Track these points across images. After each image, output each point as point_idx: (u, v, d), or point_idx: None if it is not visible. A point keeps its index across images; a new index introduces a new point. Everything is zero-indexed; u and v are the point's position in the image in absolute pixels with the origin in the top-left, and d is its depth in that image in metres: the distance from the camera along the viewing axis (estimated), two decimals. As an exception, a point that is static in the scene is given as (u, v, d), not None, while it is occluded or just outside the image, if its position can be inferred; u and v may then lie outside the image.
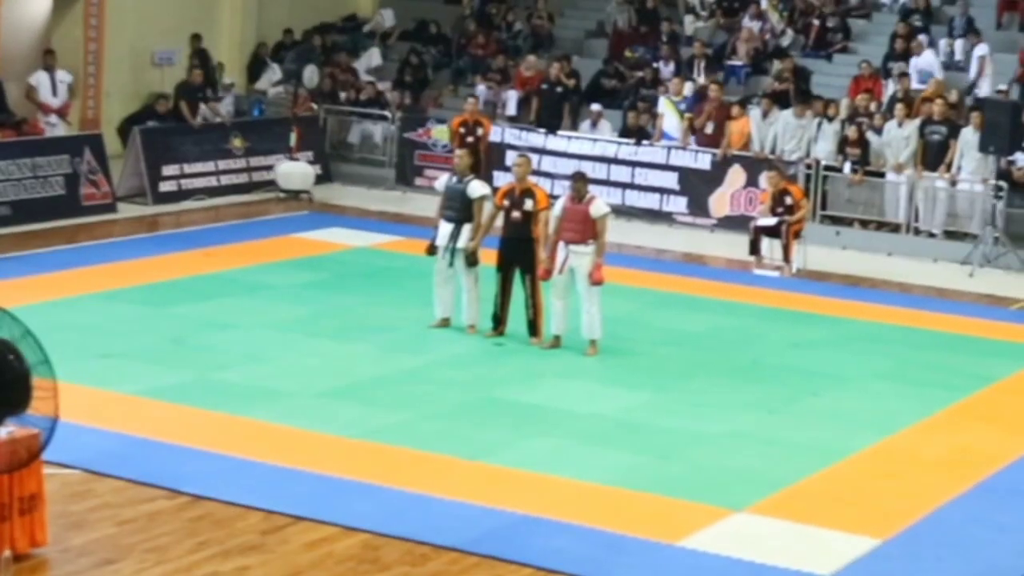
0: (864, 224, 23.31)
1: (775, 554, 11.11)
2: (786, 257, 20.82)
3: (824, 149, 23.43)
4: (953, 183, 22.79)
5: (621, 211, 23.02)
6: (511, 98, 26.40)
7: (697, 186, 23.82)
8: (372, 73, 28.28)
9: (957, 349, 17.49)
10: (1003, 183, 22.25)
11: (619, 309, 17.45)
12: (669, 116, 24.49)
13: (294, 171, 24.65)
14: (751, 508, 12.03)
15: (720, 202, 23.73)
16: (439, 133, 25.45)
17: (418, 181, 25.37)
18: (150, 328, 16.28)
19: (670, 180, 24.01)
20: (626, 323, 17.33)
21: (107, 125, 24.93)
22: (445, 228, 16.69)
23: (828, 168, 23.30)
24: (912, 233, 22.94)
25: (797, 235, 20.95)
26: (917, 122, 23.09)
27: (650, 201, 24.10)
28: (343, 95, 26.98)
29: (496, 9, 29.60)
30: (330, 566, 10.56)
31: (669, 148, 24.11)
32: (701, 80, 25.57)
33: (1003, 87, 24.19)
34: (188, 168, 23.97)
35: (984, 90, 24.62)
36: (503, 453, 12.99)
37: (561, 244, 16.11)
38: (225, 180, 24.56)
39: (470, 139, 22.64)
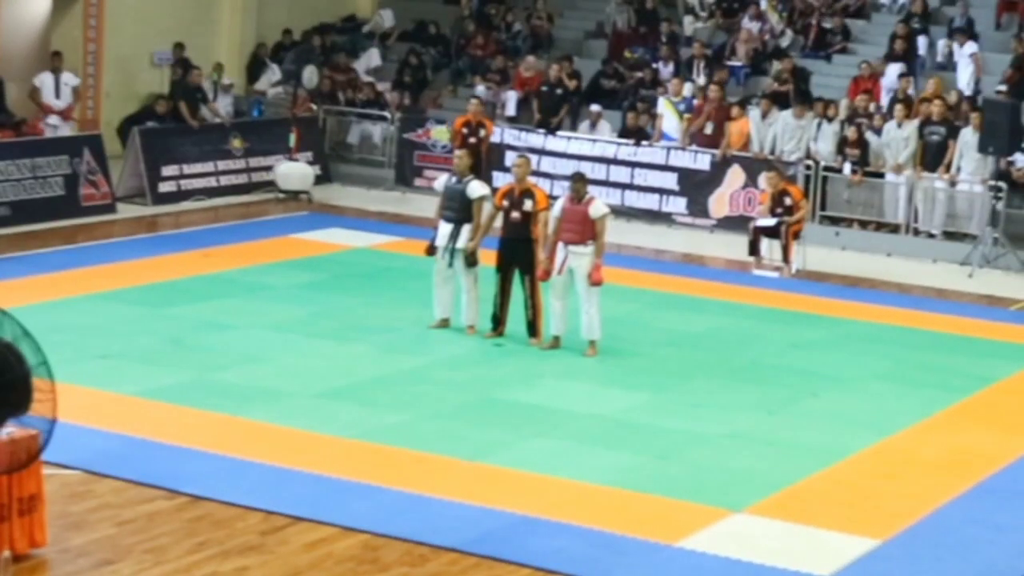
0: (863, 225, 23.31)
1: (774, 555, 11.11)
2: (785, 258, 20.82)
3: (823, 150, 23.44)
4: (952, 184, 22.79)
5: (620, 212, 23.03)
6: (510, 99, 26.41)
7: (696, 187, 23.83)
8: (371, 74, 28.30)
9: (956, 350, 17.49)
10: (1002, 184, 22.25)
11: (618, 310, 17.46)
12: (668, 117, 24.50)
13: (293, 172, 24.66)
14: (750, 509, 12.03)
15: (719, 203, 23.73)
16: (438, 134, 25.45)
17: (417, 182, 25.37)
18: (149, 329, 16.28)
19: (669, 181, 24.01)
20: (625, 324, 17.34)
21: (106, 126, 24.94)
22: (444, 228, 16.69)
23: (827, 169, 23.31)
24: (911, 234, 22.95)
25: (796, 236, 20.96)
26: (916, 123, 23.10)
27: (649, 202, 24.11)
28: (341, 95, 26.96)
29: (495, 10, 29.62)
30: (329, 567, 10.56)
31: (668, 149, 24.12)
32: (701, 81, 25.58)
33: (1003, 87, 24.20)
34: (187, 169, 23.98)
35: (976, 89, 24.62)
36: (502, 454, 12.99)
37: (560, 245, 16.11)
38: (224, 181, 24.56)
39: (472, 140, 22.64)
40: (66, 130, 23.46)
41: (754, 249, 21.03)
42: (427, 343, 16.36)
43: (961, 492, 12.79)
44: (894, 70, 25.17)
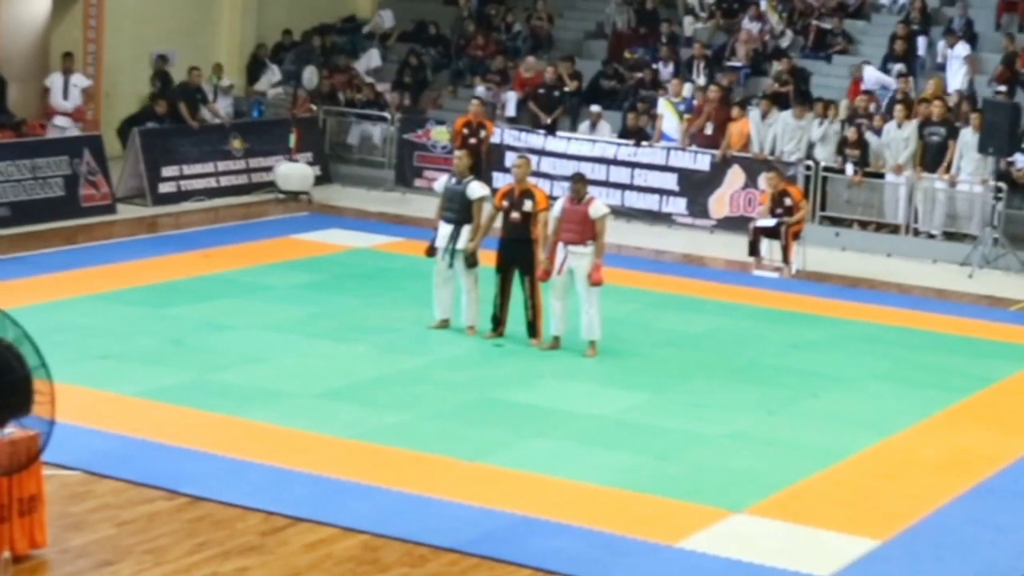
0: (863, 225, 23.31)
1: (774, 555, 11.11)
2: (785, 258, 20.82)
3: (823, 150, 23.44)
4: (952, 184, 22.79)
5: (620, 212, 23.03)
6: (510, 99, 26.40)
7: (696, 187, 23.83)
8: (371, 74, 28.29)
9: (956, 350, 17.49)
10: (1002, 184, 22.24)
11: (618, 310, 17.46)
12: (668, 117, 24.50)
13: (293, 172, 24.66)
14: (750, 509, 12.03)
15: (719, 203, 23.73)
16: (438, 134, 25.45)
17: (417, 182, 25.38)
18: (149, 329, 16.28)
19: (669, 181, 24.01)
20: (625, 324, 17.34)
21: (106, 126, 24.94)
22: (444, 229, 16.69)
23: (827, 169, 23.31)
24: (911, 234, 22.95)
25: (796, 236, 20.96)
26: (916, 123, 23.10)
27: (649, 202, 24.11)
28: (341, 96, 26.96)
29: (495, 10, 29.62)
30: (329, 567, 10.56)
31: (668, 149, 24.12)
32: (701, 81, 25.58)
33: (1002, 88, 24.21)
34: (187, 169, 23.98)
35: (970, 91, 24.63)
36: (502, 454, 12.99)
37: (560, 245, 16.11)
38: (224, 181, 24.57)
39: (472, 140, 22.65)
40: (75, 131, 23.51)
41: (754, 249, 21.03)
42: (427, 343, 16.36)
43: (961, 492, 12.79)
44: (871, 70, 25.21)
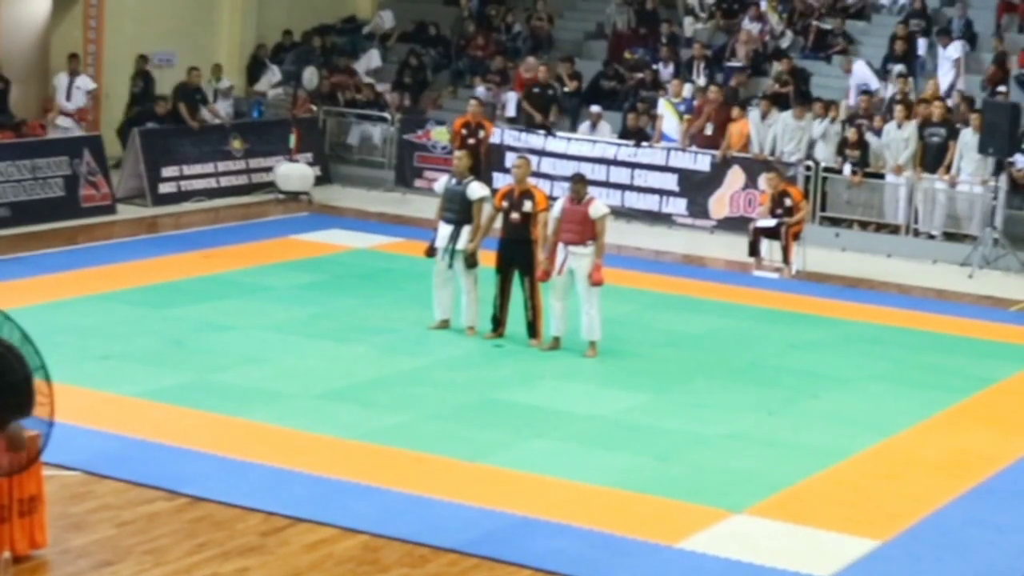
0: (863, 226, 23.31)
1: (774, 556, 11.11)
2: (785, 259, 20.82)
3: (823, 151, 23.44)
4: (952, 185, 22.80)
5: (620, 213, 23.03)
6: (510, 100, 26.40)
7: (696, 188, 23.83)
8: (371, 75, 28.29)
9: (956, 351, 17.49)
10: (1002, 184, 22.23)
11: (618, 310, 17.46)
12: (668, 118, 24.51)
13: (293, 173, 24.66)
14: (750, 510, 12.03)
15: (719, 204, 23.73)
16: (438, 135, 25.46)
17: (417, 183, 25.38)
18: (149, 330, 16.28)
19: (669, 182, 24.01)
20: (625, 325, 17.34)
21: (106, 127, 24.94)
22: (444, 230, 16.69)
23: (827, 170, 23.31)
24: (911, 235, 22.94)
25: (796, 237, 20.96)
26: (916, 124, 23.10)
27: (649, 203, 24.11)
28: (341, 96, 26.96)
29: (495, 11, 29.62)
30: (330, 567, 10.56)
31: (668, 150, 24.12)
32: (701, 82, 25.58)
33: (1003, 88, 24.22)
34: (187, 170, 23.99)
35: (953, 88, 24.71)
36: (502, 454, 12.99)
37: (560, 245, 16.11)
38: (224, 182, 24.57)
39: (471, 141, 22.64)
40: (78, 132, 23.51)
41: (754, 250, 21.03)
42: (427, 344, 16.36)
43: (961, 493, 12.79)
44: (860, 66, 25.22)
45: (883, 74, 25.47)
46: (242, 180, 24.79)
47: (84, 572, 10.28)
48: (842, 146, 23.40)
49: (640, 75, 26.47)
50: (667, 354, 16.58)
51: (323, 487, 11.98)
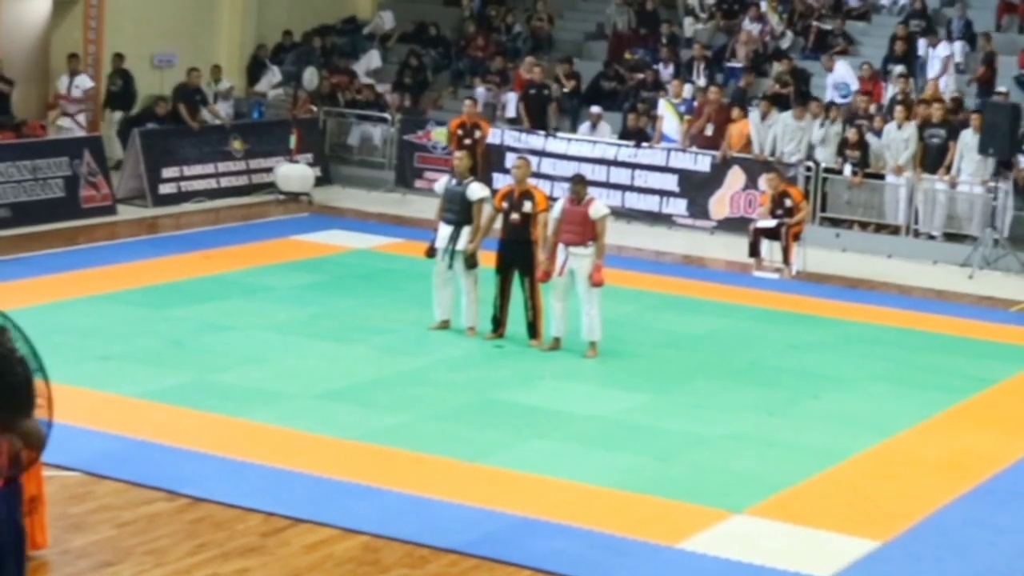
0: (864, 226, 23.32)
1: (774, 556, 11.11)
2: (786, 259, 20.83)
3: (824, 151, 23.45)
4: (953, 185, 22.80)
5: (621, 213, 23.03)
6: (510, 100, 26.40)
7: (697, 188, 23.83)
8: (371, 75, 28.30)
9: (956, 351, 17.49)
10: (1003, 185, 22.24)
11: (619, 311, 17.46)
12: (669, 118, 24.51)
13: (294, 173, 24.67)
14: (750, 510, 12.03)
15: (720, 204, 23.74)
16: (439, 135, 25.46)
17: (417, 183, 25.38)
18: (150, 330, 16.28)
19: (670, 182, 24.02)
20: (626, 325, 17.34)
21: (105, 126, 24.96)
22: (444, 230, 16.69)
23: (828, 170, 23.32)
24: (912, 235, 22.95)
25: (797, 237, 20.96)
26: (916, 124, 23.10)
27: (650, 203, 24.11)
28: (341, 97, 26.96)
29: (496, 11, 29.64)
30: (330, 568, 10.56)
31: (669, 150, 24.12)
32: (701, 82, 25.59)
33: (1003, 89, 24.23)
34: (188, 170, 23.99)
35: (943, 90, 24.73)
36: (502, 455, 12.99)
37: (561, 246, 16.11)
38: (225, 182, 24.58)
39: (468, 141, 22.64)
40: (77, 132, 23.52)
41: (754, 251, 21.03)
42: (427, 344, 16.36)
43: (961, 493, 12.79)
44: (842, 66, 25.25)
45: (883, 75, 25.48)
46: (242, 181, 24.80)
47: (84, 573, 10.28)
48: (842, 147, 23.41)
49: (640, 76, 26.48)
50: (667, 355, 16.58)
51: (323, 487, 11.98)
